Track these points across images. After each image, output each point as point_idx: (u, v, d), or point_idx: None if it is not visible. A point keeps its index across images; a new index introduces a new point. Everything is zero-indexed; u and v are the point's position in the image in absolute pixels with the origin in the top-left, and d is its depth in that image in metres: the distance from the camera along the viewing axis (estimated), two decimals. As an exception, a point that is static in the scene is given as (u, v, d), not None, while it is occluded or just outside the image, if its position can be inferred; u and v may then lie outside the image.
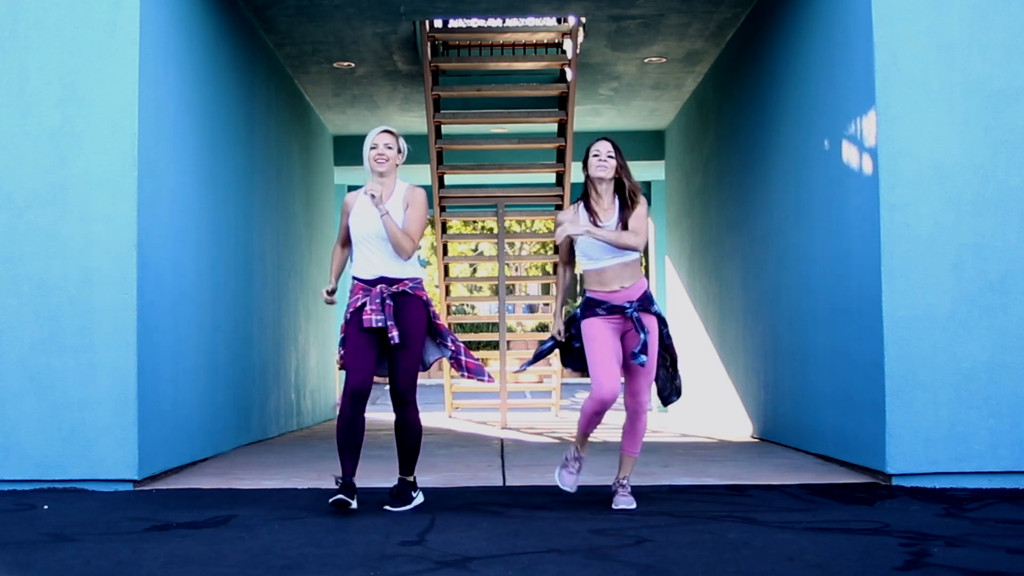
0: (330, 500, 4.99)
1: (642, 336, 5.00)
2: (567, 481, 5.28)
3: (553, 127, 11.58)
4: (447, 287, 12.46)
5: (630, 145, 12.74)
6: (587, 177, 5.18)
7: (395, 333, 4.96)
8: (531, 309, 30.77)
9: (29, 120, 6.00)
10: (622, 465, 5.21)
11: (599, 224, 5.07)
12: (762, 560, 3.87)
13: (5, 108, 6.01)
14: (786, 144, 7.76)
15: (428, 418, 11.91)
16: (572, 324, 5.27)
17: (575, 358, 5.34)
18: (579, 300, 5.26)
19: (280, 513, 5.03)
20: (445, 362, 12.45)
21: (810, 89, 7.17)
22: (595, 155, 5.13)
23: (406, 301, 5.09)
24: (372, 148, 5.14)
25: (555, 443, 8.69)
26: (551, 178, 12.19)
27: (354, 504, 4.97)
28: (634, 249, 5.05)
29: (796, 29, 7.47)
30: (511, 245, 27.53)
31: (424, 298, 5.15)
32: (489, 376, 5.29)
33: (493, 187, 11.76)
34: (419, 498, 5.24)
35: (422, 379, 25.63)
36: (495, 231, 13.98)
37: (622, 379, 5.14)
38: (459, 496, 5.60)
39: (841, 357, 6.53)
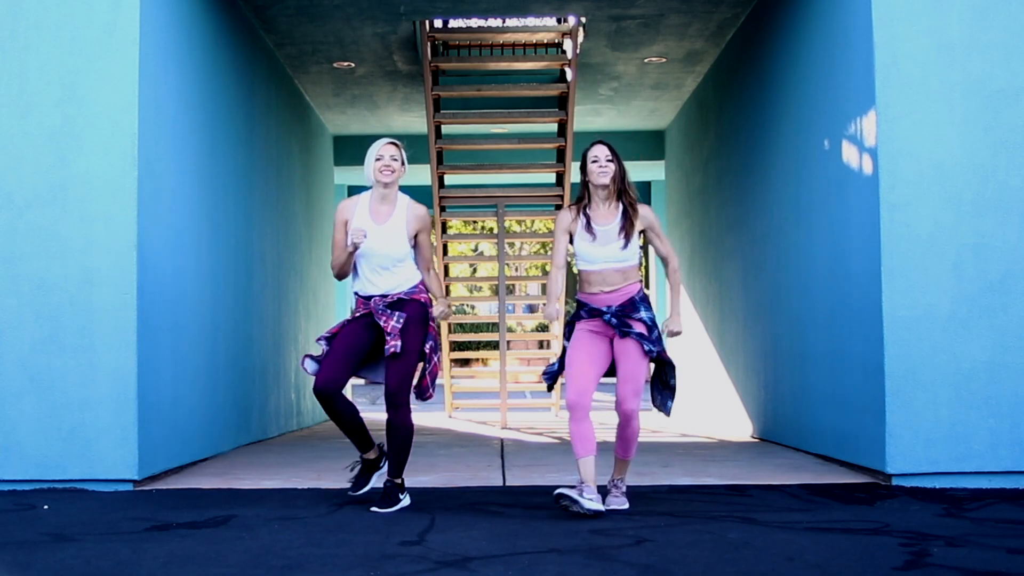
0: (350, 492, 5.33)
1: (646, 345, 4.99)
2: (612, 501, 5.10)
3: (553, 127, 11.58)
4: (447, 287, 12.45)
5: (630, 145, 12.77)
6: (584, 181, 5.15)
7: (393, 344, 5.02)
8: (531, 309, 30.75)
9: (29, 120, 6.00)
10: (617, 467, 5.20)
11: (594, 227, 5.04)
12: (762, 560, 3.87)
13: (5, 108, 6.01)
14: (786, 144, 7.76)
15: (428, 418, 11.94)
16: (565, 329, 5.27)
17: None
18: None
19: (280, 513, 5.03)
20: (446, 363, 12.60)
21: (810, 89, 7.17)
22: (594, 160, 5.08)
23: (404, 304, 5.12)
24: (377, 160, 5.14)
25: (555, 443, 8.69)
26: (551, 178, 12.19)
27: (383, 467, 5.31)
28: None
29: (796, 29, 7.47)
30: (511, 245, 27.52)
31: (423, 300, 5.17)
32: (429, 395, 5.28)
33: (493, 187, 11.76)
34: (406, 500, 5.22)
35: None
36: (495, 231, 13.97)
37: (609, 380, 5.14)
38: (459, 496, 5.60)
39: (841, 357, 6.52)
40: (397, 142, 5.20)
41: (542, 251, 19.28)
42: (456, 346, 21.94)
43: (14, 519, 4.96)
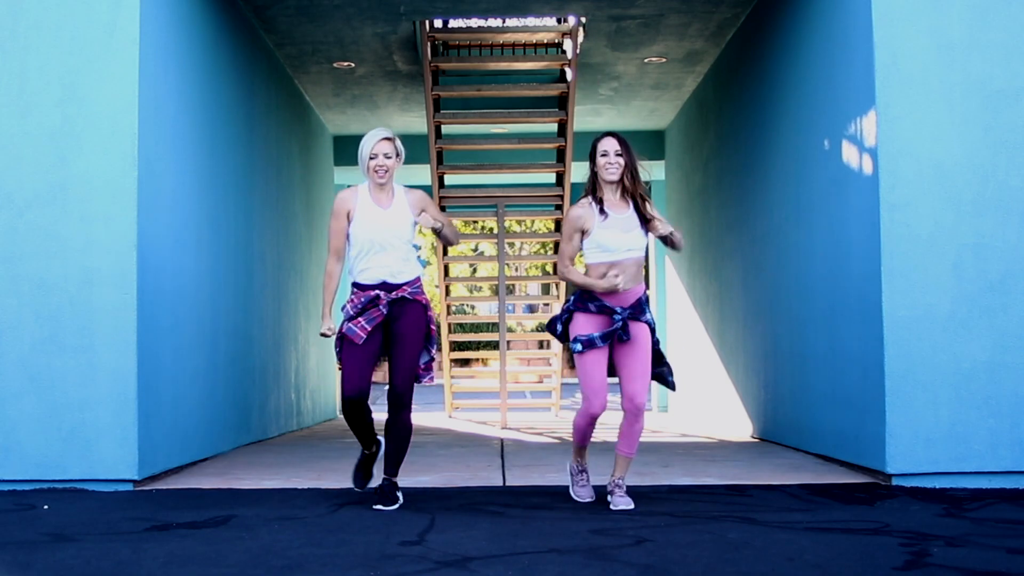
0: (375, 489, 5.29)
1: (643, 318, 5.04)
2: (583, 494, 5.29)
3: (553, 127, 11.58)
4: (447, 287, 12.46)
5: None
6: (593, 171, 5.10)
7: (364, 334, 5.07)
8: (531, 309, 30.76)
9: (29, 120, 6.00)
10: (618, 465, 5.17)
11: (610, 216, 5.01)
12: (762, 560, 3.87)
13: (5, 108, 6.01)
14: (786, 144, 7.76)
15: (428, 418, 11.94)
16: (560, 315, 5.21)
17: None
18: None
19: (280, 513, 5.03)
20: (446, 363, 12.61)
21: (810, 89, 7.17)
22: (603, 154, 5.04)
23: (406, 306, 5.12)
24: (371, 158, 5.14)
25: (555, 443, 8.69)
26: (551, 178, 12.19)
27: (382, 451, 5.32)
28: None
29: (796, 29, 7.48)
30: (511, 245, 27.51)
31: (424, 302, 5.18)
32: (430, 377, 5.33)
33: (493, 187, 11.77)
34: (399, 499, 5.26)
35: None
36: (495, 231, 13.97)
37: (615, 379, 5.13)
38: (459, 496, 5.60)
39: (841, 357, 6.52)
40: (390, 136, 5.18)
41: (542, 251, 19.30)
42: (456, 346, 21.94)
43: (14, 519, 4.96)
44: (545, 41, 10.70)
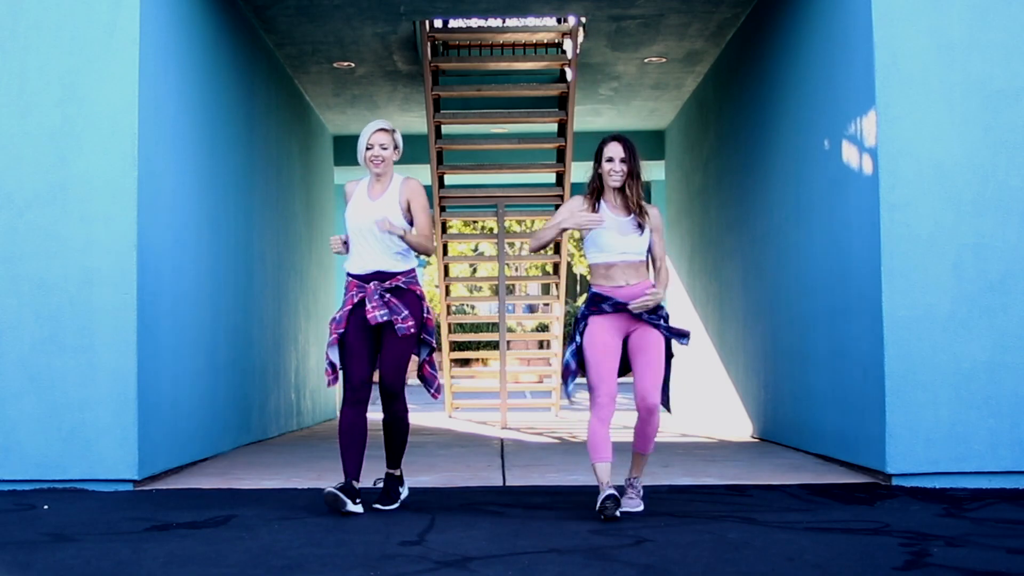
0: (324, 492, 4.93)
1: (662, 327, 4.99)
2: (628, 503, 5.05)
3: (553, 127, 11.58)
4: (447, 287, 12.46)
5: (630, 145, 12.73)
6: (597, 171, 5.06)
7: (407, 324, 5.00)
8: (531, 309, 30.76)
9: (29, 120, 6.00)
10: (633, 463, 5.11)
11: (608, 217, 5.00)
12: (762, 560, 3.87)
13: (5, 108, 6.01)
14: (786, 144, 7.76)
15: (428, 418, 11.94)
16: (577, 324, 5.15)
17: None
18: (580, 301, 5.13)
19: (280, 513, 5.03)
20: (446, 363, 12.60)
21: (810, 89, 7.17)
22: (609, 159, 5.01)
23: (400, 296, 5.11)
24: (367, 149, 5.15)
25: (555, 443, 8.69)
26: (551, 178, 12.19)
27: (352, 507, 4.90)
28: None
29: (796, 29, 7.48)
30: (511, 245, 27.48)
31: (418, 292, 5.17)
32: (436, 391, 5.27)
33: (493, 187, 11.77)
34: (405, 492, 5.27)
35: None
36: (495, 231, 13.97)
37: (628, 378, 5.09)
38: (459, 496, 5.60)
39: (841, 357, 6.52)
40: (387, 127, 5.18)
41: (542, 251, 19.31)
42: (456, 346, 21.94)
43: (14, 519, 4.96)
44: (545, 41, 10.70)
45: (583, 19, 9.44)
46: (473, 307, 29.96)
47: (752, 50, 8.76)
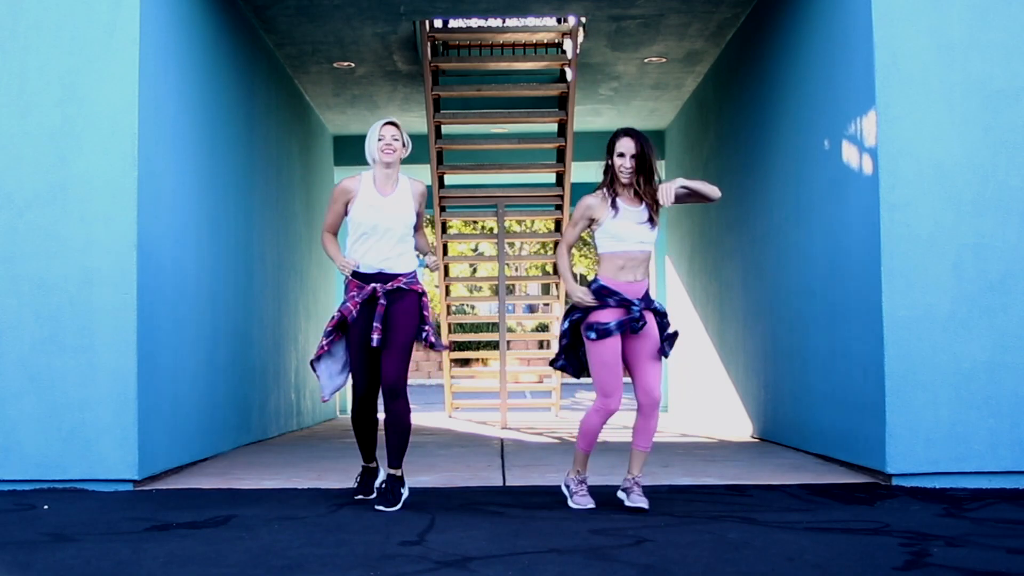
0: (355, 496, 5.45)
1: (669, 330, 5.07)
2: (585, 502, 5.16)
3: (553, 127, 11.58)
4: (447, 287, 12.46)
5: (630, 145, 12.73)
6: (608, 164, 5.09)
7: (376, 336, 5.11)
8: (531, 309, 30.77)
9: (29, 120, 6.00)
10: (634, 462, 5.10)
11: (621, 208, 5.02)
12: (762, 560, 3.87)
13: (5, 108, 6.01)
14: (786, 144, 7.76)
15: (428, 418, 11.94)
16: (572, 314, 5.15)
17: (575, 357, 5.30)
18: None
19: (280, 513, 5.03)
20: (446, 363, 12.61)
21: (810, 89, 7.17)
22: (620, 155, 5.04)
23: (401, 297, 5.14)
24: (379, 140, 5.20)
25: (555, 443, 8.69)
26: (551, 178, 12.19)
27: (379, 477, 5.46)
28: (716, 197, 5.13)
29: (796, 29, 7.48)
30: (511, 245, 27.51)
31: (419, 290, 5.21)
32: (443, 345, 5.40)
33: (493, 187, 11.76)
34: (406, 492, 5.28)
35: (421, 379, 25.63)
36: (495, 231, 13.97)
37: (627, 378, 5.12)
38: (459, 496, 5.60)
39: (841, 357, 6.53)
40: (396, 122, 5.26)
41: (542, 251, 19.29)
42: (456, 346, 21.94)
43: (14, 519, 4.96)
44: (545, 41, 10.69)
45: (583, 19, 9.44)
46: (473, 307, 29.97)
47: (752, 50, 8.76)
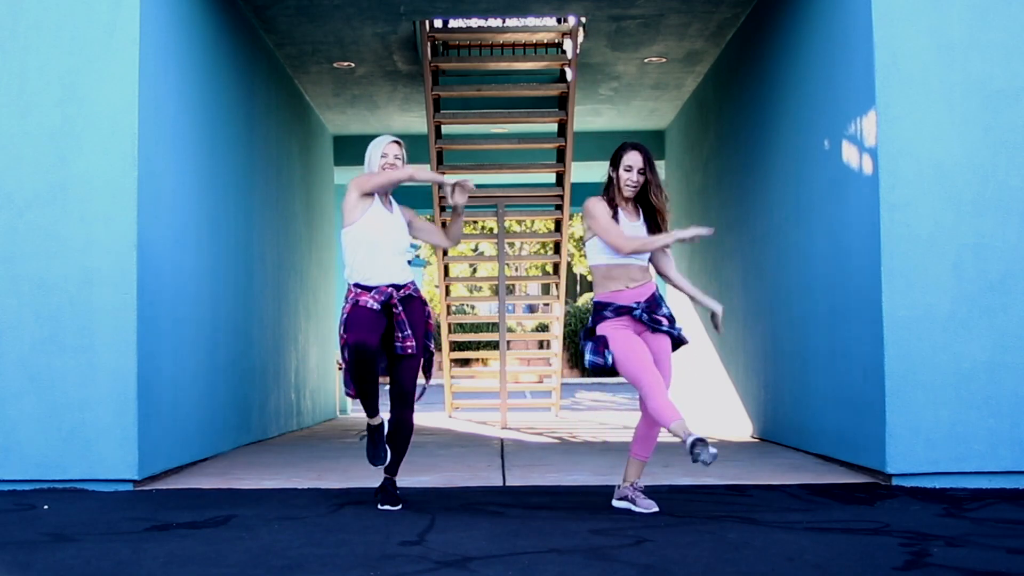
0: (378, 502, 5.21)
1: (675, 332, 5.01)
2: (650, 504, 5.02)
3: (553, 127, 11.58)
4: (447, 287, 12.46)
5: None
6: (611, 176, 5.07)
7: (411, 344, 5.08)
8: (531, 309, 30.77)
9: (29, 120, 6.00)
10: (635, 468, 5.07)
11: (621, 221, 4.99)
12: (762, 560, 3.87)
13: (5, 108, 6.01)
14: (786, 144, 7.76)
15: (428, 418, 11.94)
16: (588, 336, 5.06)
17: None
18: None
19: (280, 513, 5.03)
20: (446, 363, 12.61)
21: (810, 89, 7.17)
22: (627, 169, 5.01)
23: (411, 304, 5.16)
24: (383, 157, 5.19)
25: (555, 443, 8.69)
26: (551, 178, 12.19)
27: (387, 456, 5.22)
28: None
29: (796, 29, 7.48)
30: (511, 245, 27.51)
31: (423, 298, 5.24)
32: (421, 392, 5.30)
33: (493, 187, 11.77)
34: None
35: (421, 379, 25.55)
36: (495, 231, 13.96)
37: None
38: (459, 496, 5.60)
39: (841, 357, 6.53)
40: (400, 140, 5.25)
41: (542, 251, 19.39)
42: (456, 346, 21.93)
43: (14, 519, 4.96)
44: (545, 41, 10.70)
45: (583, 19, 9.44)
46: (473, 307, 29.96)
47: (752, 50, 8.76)
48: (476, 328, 23.50)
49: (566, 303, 22.55)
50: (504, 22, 10.41)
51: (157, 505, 5.35)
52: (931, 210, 5.86)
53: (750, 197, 8.87)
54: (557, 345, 12.61)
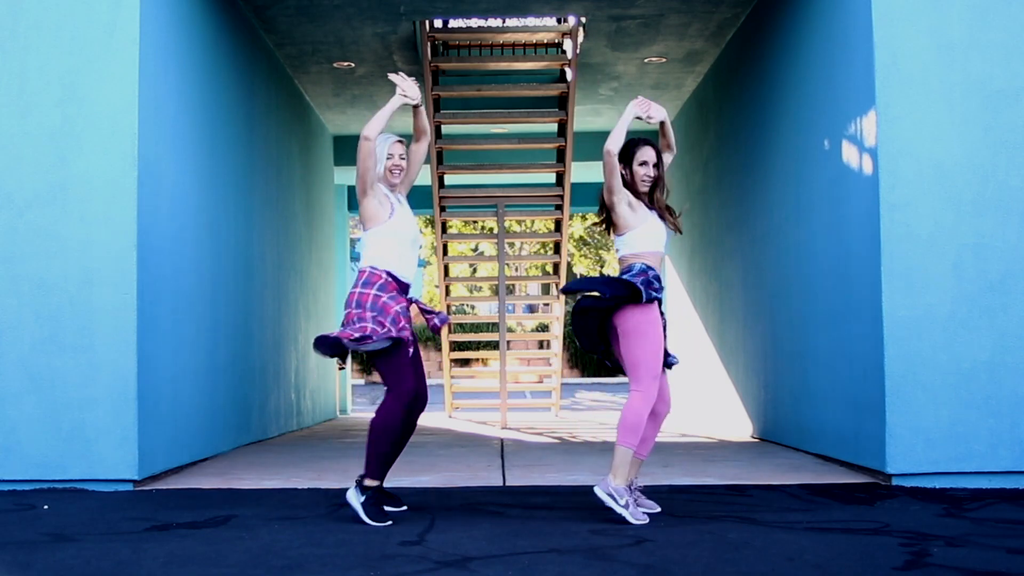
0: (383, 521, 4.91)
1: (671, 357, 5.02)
2: (649, 507, 4.99)
3: (553, 127, 11.58)
4: (447, 287, 12.46)
5: (630, 145, 12.74)
6: (626, 173, 5.06)
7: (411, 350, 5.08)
8: (531, 309, 30.77)
9: (29, 120, 6.01)
10: (635, 469, 5.01)
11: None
12: (762, 560, 3.87)
13: (5, 108, 6.01)
14: (786, 144, 7.76)
15: (428, 418, 11.94)
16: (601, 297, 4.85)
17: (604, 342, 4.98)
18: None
19: (280, 513, 5.03)
20: (446, 363, 12.60)
21: (810, 89, 7.17)
22: (642, 163, 5.04)
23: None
24: (388, 158, 5.18)
25: (555, 443, 8.69)
26: (551, 178, 12.19)
27: (400, 508, 5.06)
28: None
29: (796, 29, 7.48)
30: (511, 245, 27.51)
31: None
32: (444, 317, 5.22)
33: (493, 187, 11.77)
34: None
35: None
36: (495, 231, 13.97)
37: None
38: (459, 496, 5.60)
39: (841, 357, 6.53)
40: (403, 140, 5.24)
41: (542, 251, 19.41)
42: (456, 346, 21.93)
43: (14, 519, 4.96)
44: (545, 41, 10.70)
45: (583, 19, 9.44)
46: (473, 307, 29.97)
47: (752, 50, 8.76)
48: (476, 328, 23.51)
49: (566, 303, 22.55)
50: (504, 22, 10.41)
51: (157, 505, 5.35)
52: (931, 210, 5.86)
53: (750, 197, 8.87)
54: (557, 345, 12.61)
